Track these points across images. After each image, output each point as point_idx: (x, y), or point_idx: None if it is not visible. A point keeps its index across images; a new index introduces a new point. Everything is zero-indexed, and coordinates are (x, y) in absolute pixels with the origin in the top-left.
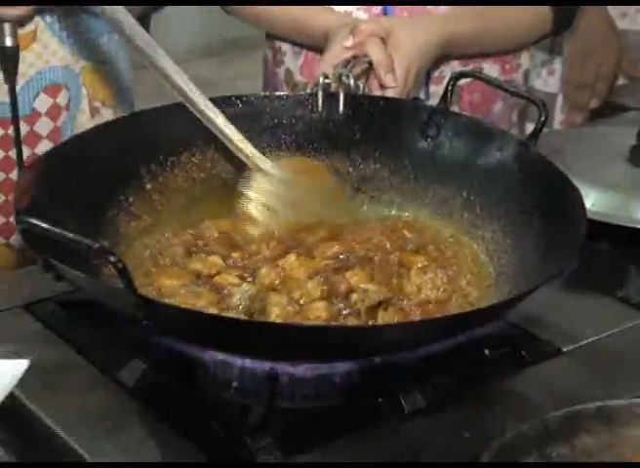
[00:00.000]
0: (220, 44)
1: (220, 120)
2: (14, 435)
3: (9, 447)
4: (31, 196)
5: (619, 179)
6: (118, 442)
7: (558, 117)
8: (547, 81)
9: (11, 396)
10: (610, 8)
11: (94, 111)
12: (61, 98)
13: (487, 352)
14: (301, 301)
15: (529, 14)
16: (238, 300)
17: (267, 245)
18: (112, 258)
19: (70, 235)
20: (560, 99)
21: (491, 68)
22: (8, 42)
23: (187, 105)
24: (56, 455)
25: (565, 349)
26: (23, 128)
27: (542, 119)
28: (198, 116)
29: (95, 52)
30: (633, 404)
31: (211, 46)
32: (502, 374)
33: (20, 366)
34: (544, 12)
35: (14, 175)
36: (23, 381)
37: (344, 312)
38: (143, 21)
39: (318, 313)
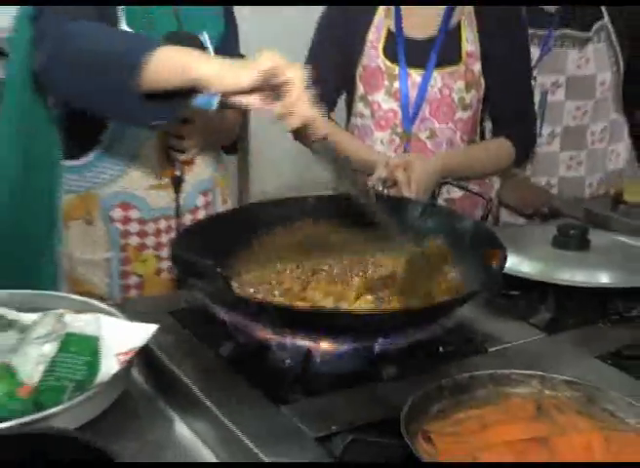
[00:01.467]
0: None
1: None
2: (151, 373)
3: (149, 380)
4: (179, 243)
5: (543, 254)
6: (219, 384)
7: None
8: None
9: (150, 350)
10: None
11: (223, 202)
12: (210, 197)
13: (440, 348)
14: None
15: (499, 157)
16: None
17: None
18: (219, 270)
19: (195, 257)
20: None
21: (474, 185)
22: (178, 171)
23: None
24: (175, 387)
25: (490, 349)
26: (188, 217)
27: (489, 207)
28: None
29: (222, 167)
30: (513, 373)
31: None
32: (448, 362)
33: (152, 327)
34: (510, 152)
35: None
36: (160, 345)
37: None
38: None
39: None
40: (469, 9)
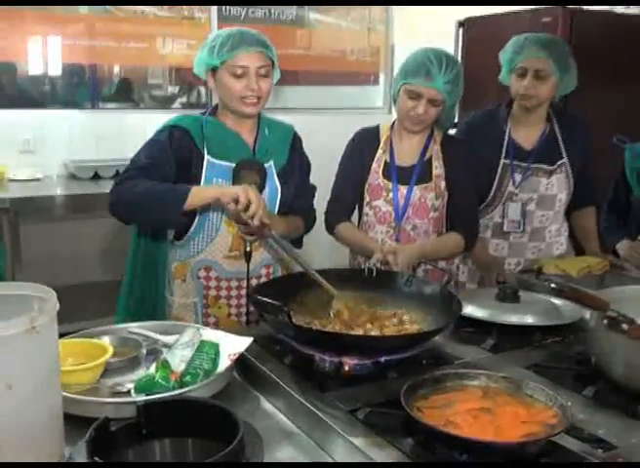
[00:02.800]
0: None
1: (316, 274)
2: (243, 371)
3: (247, 379)
4: (256, 292)
5: (490, 305)
6: (286, 381)
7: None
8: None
9: (244, 356)
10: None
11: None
12: (271, 269)
13: (424, 361)
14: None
15: (455, 246)
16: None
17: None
18: (285, 309)
19: (269, 300)
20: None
21: (442, 262)
22: (248, 248)
23: (308, 272)
24: (262, 378)
25: (455, 362)
26: (254, 281)
27: (449, 277)
28: (312, 276)
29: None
30: (470, 372)
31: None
32: (426, 371)
33: (248, 340)
34: (461, 245)
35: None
36: (252, 352)
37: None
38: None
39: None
40: (437, 147)
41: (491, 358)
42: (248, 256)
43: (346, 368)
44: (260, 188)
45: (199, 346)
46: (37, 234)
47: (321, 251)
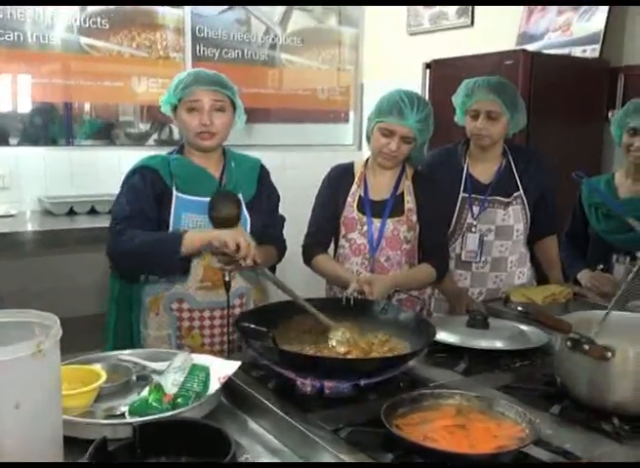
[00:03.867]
0: None
1: (311, 307)
2: (233, 394)
3: (234, 402)
4: (240, 319)
5: (459, 330)
6: (270, 404)
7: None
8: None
9: (231, 380)
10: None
11: (255, 304)
12: (244, 299)
13: (401, 384)
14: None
15: (427, 277)
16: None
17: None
18: (270, 334)
19: (254, 326)
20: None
21: (415, 292)
22: (227, 278)
23: (298, 303)
24: (249, 401)
25: (430, 384)
26: (237, 309)
27: (422, 305)
28: (308, 309)
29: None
30: (444, 391)
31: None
32: (404, 392)
33: (236, 364)
34: (433, 275)
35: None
36: (239, 377)
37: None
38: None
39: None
40: (409, 183)
41: (463, 380)
42: (227, 286)
43: (327, 390)
44: (237, 218)
45: (190, 370)
46: (12, 270)
47: (298, 281)
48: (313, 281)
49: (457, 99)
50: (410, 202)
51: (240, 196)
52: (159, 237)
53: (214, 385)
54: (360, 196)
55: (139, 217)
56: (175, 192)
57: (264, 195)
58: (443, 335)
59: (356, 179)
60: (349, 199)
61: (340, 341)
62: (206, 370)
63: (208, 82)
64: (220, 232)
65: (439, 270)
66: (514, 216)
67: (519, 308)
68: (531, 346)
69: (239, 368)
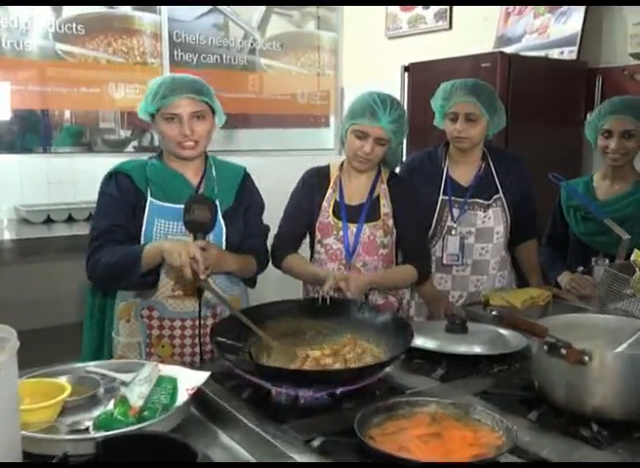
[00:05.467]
0: None
1: (249, 322)
2: (204, 406)
3: (205, 414)
4: (215, 331)
5: (437, 335)
6: (244, 414)
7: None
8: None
9: (202, 391)
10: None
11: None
12: (218, 309)
13: (377, 392)
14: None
15: (407, 276)
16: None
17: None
18: (244, 348)
19: (229, 341)
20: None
21: (392, 298)
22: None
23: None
24: (221, 412)
25: (407, 392)
26: (209, 320)
27: (400, 306)
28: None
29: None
30: (420, 399)
31: None
32: (379, 400)
33: (205, 374)
34: (414, 275)
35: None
36: (209, 388)
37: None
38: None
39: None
40: (385, 186)
41: (441, 387)
42: (200, 293)
43: (302, 400)
44: (212, 224)
45: (157, 381)
46: None
47: (272, 287)
48: (288, 286)
49: (435, 103)
50: (386, 206)
51: (217, 203)
52: (120, 256)
53: (182, 397)
54: (336, 200)
55: (117, 231)
56: (149, 198)
57: (245, 205)
58: (421, 341)
59: (331, 183)
60: (325, 204)
61: (276, 358)
62: (173, 382)
63: (185, 90)
64: (170, 246)
65: (421, 271)
66: (494, 219)
67: (493, 313)
68: (509, 351)
69: (211, 378)
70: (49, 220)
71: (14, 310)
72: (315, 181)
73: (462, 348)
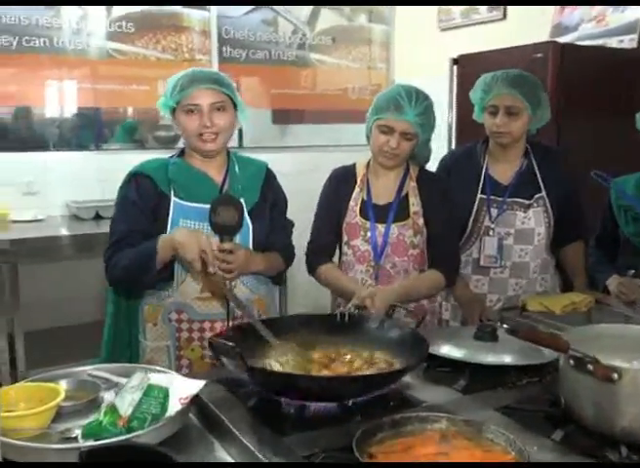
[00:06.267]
0: None
1: (263, 328)
2: (202, 415)
3: (202, 422)
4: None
5: (465, 343)
6: (244, 423)
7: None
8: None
9: (203, 401)
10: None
11: (259, 316)
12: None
13: (391, 403)
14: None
15: (433, 285)
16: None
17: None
18: (238, 350)
19: (224, 342)
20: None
21: (424, 301)
22: (228, 286)
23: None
24: (218, 424)
25: (423, 404)
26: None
27: (421, 319)
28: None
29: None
30: (430, 415)
31: None
32: (395, 412)
33: (200, 383)
34: (441, 282)
35: None
36: (216, 395)
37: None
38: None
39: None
40: (414, 184)
41: (461, 399)
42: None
43: (312, 409)
44: (239, 225)
45: (147, 390)
46: (38, 275)
47: (303, 290)
48: (318, 289)
49: (474, 95)
50: (415, 204)
51: (243, 202)
52: (135, 257)
53: (174, 407)
54: (363, 200)
55: (134, 235)
56: (173, 198)
57: (269, 201)
58: (446, 349)
59: (358, 182)
60: (352, 203)
61: (279, 361)
62: (164, 391)
63: (204, 80)
64: (182, 238)
65: (447, 276)
66: (535, 219)
67: (504, 326)
68: (540, 362)
69: (220, 384)
70: (98, 217)
71: (61, 305)
72: (341, 181)
73: (490, 357)
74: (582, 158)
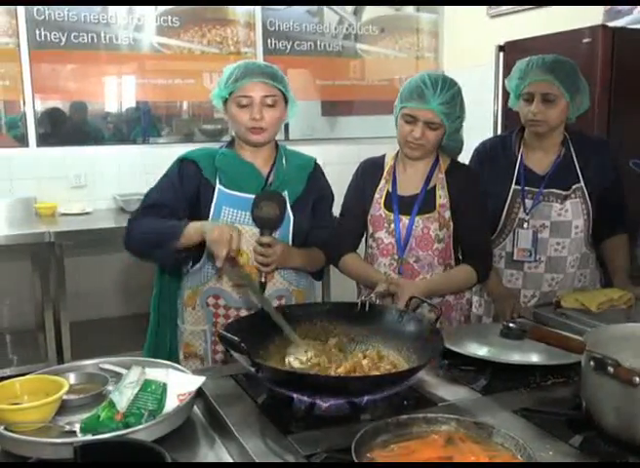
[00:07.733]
0: None
1: (284, 323)
2: (206, 411)
3: (207, 419)
4: (228, 328)
5: (490, 340)
6: (250, 421)
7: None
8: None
9: (207, 398)
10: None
11: None
12: (284, 301)
13: (405, 402)
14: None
15: (465, 280)
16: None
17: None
18: (243, 346)
19: (230, 335)
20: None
21: (449, 297)
22: (263, 279)
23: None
24: (220, 422)
25: (439, 404)
26: None
27: (439, 314)
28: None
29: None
30: (439, 416)
31: None
32: (410, 411)
33: (200, 379)
34: (472, 276)
35: None
36: (226, 390)
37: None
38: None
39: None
40: (442, 176)
41: (479, 400)
42: (263, 287)
43: (322, 407)
44: (279, 220)
45: (143, 386)
46: (84, 266)
47: (348, 282)
48: (345, 280)
49: (510, 82)
50: (443, 197)
51: (286, 194)
52: (162, 226)
53: (172, 403)
54: (388, 191)
55: (163, 208)
56: (218, 185)
57: (314, 195)
58: (469, 347)
59: (385, 174)
60: (377, 195)
61: (299, 359)
62: (161, 387)
63: (259, 73)
64: (210, 234)
65: (480, 271)
66: (573, 211)
67: (510, 324)
68: (567, 362)
69: (232, 379)
70: None
71: (106, 296)
72: (368, 172)
73: (515, 356)
74: (634, 149)
